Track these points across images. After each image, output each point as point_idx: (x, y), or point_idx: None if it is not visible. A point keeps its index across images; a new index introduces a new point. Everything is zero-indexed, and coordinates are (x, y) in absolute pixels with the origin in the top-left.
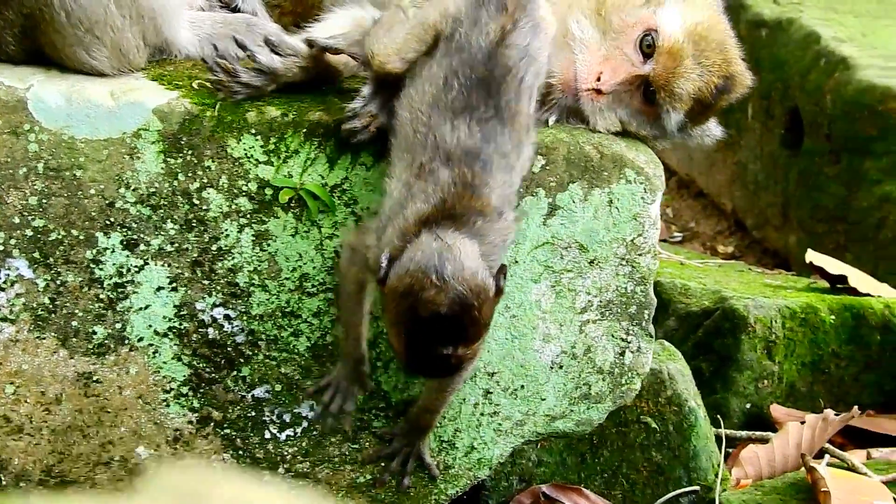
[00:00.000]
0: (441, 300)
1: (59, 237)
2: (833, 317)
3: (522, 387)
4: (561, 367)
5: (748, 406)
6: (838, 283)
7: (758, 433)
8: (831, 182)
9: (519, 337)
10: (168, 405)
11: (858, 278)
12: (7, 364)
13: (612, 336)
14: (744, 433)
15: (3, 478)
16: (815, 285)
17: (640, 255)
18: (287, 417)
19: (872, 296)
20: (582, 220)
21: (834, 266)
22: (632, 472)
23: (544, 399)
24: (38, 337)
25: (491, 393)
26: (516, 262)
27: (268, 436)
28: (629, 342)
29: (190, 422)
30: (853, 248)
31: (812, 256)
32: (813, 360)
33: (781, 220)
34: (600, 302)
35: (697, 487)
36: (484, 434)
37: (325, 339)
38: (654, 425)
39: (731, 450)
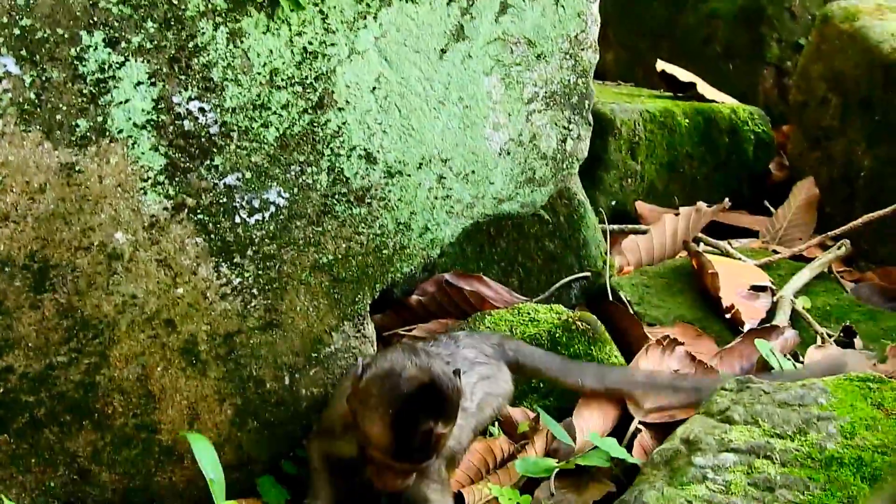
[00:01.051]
0: (423, 376)
1: (45, 35)
2: (687, 120)
3: (473, 172)
4: (508, 154)
5: (614, 203)
6: (686, 91)
7: (632, 226)
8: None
9: (470, 126)
10: (145, 193)
11: (704, 87)
12: None
13: (556, 124)
14: (624, 226)
15: None
16: (660, 94)
17: (582, 49)
18: (256, 203)
19: (718, 102)
20: (531, 17)
21: (683, 74)
22: (527, 261)
23: (493, 183)
24: (23, 130)
25: (444, 178)
26: (469, 56)
27: (238, 220)
28: (570, 130)
29: (165, 208)
30: (679, 64)
31: (662, 65)
32: (670, 160)
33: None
34: (545, 93)
35: (588, 273)
36: (437, 216)
37: (293, 130)
38: (546, 217)
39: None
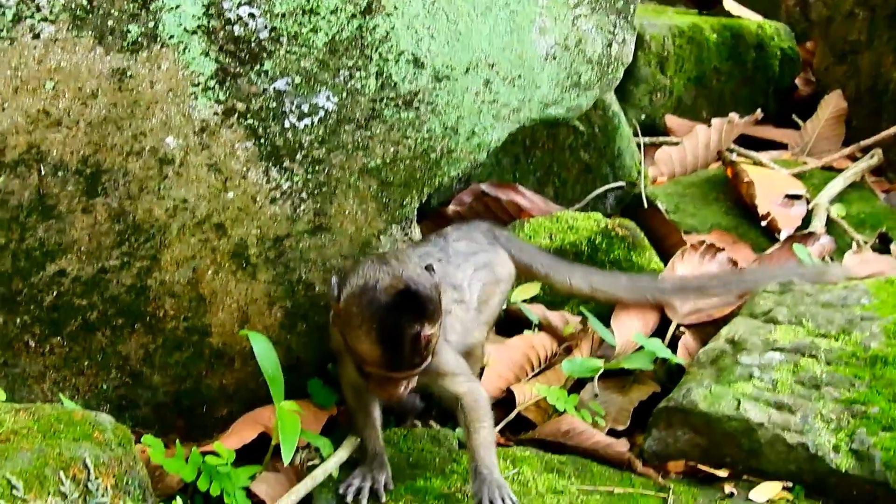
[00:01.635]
0: (398, 283)
1: None
2: (715, 35)
3: (519, 76)
4: (555, 58)
5: (643, 117)
6: (710, 8)
7: (664, 138)
8: None
9: (517, 30)
10: (196, 98)
11: (729, 2)
12: (47, 62)
13: (601, 29)
14: (655, 138)
15: (42, 168)
16: (685, 10)
17: None
18: (305, 108)
19: (744, 18)
20: None
21: None
22: (562, 171)
23: (539, 87)
24: (76, 36)
25: (491, 82)
26: None
27: (287, 125)
28: (615, 34)
29: (216, 113)
30: None
31: None
32: (698, 75)
33: None
34: None
35: (623, 183)
36: (484, 120)
37: (341, 35)
38: (582, 128)
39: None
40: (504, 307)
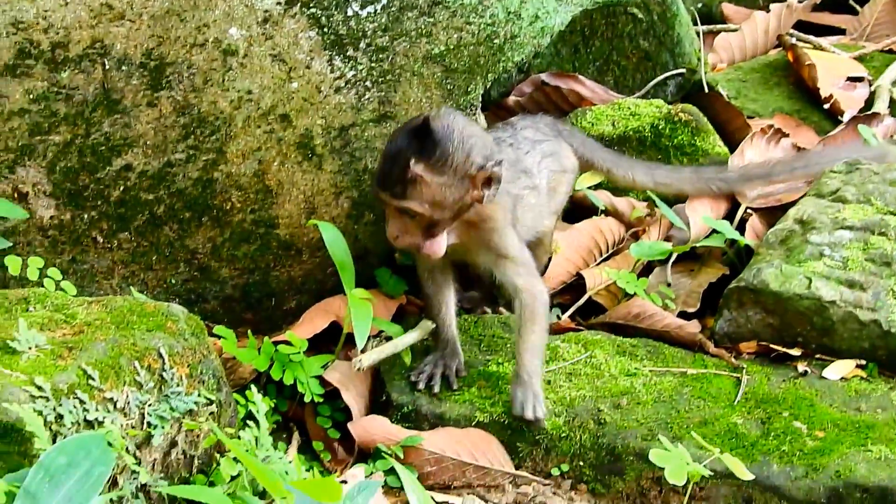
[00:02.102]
0: (418, 119)
1: None
2: None
3: None
4: None
5: (700, 6)
6: None
7: (723, 25)
8: None
9: None
10: None
11: None
12: None
13: None
14: (713, 26)
15: (106, 62)
16: None
17: None
18: None
19: None
20: None
21: None
22: (622, 60)
23: None
24: None
25: None
26: None
27: (350, 13)
28: None
29: (279, 3)
30: None
31: None
32: None
33: None
34: None
35: (683, 70)
36: (547, 4)
37: None
38: (640, 16)
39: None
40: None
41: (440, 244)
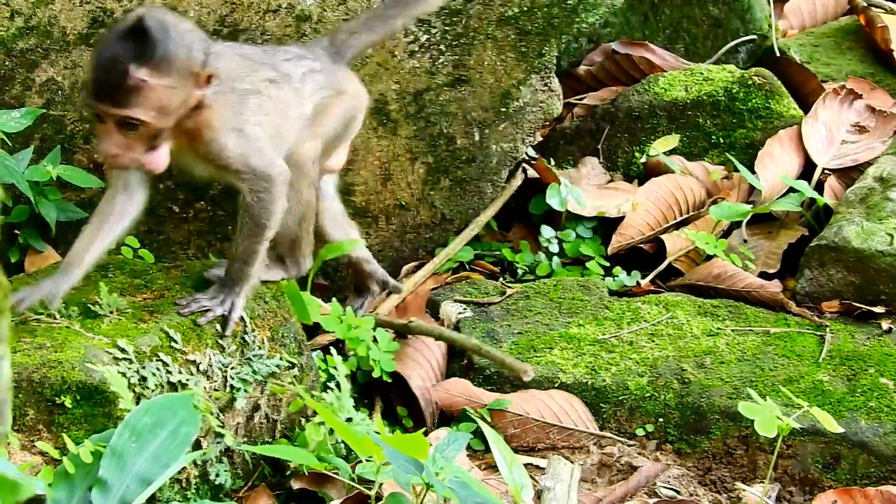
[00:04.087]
0: (131, 19)
1: None
2: None
3: None
4: None
5: None
6: None
7: None
8: None
9: None
10: None
11: None
12: None
13: None
14: None
15: None
16: None
17: None
18: None
19: None
20: None
21: None
22: (692, 27)
23: None
24: None
25: None
26: None
27: None
28: None
29: None
30: None
31: None
32: None
33: None
34: None
35: (754, 36)
36: None
37: None
38: None
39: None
40: None
41: (162, 157)
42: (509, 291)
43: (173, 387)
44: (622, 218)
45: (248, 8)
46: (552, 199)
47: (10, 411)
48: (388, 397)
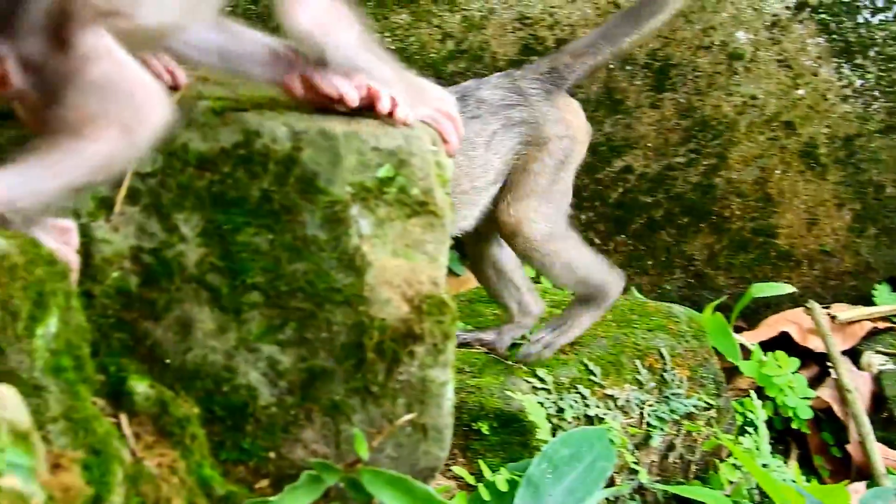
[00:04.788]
0: None
1: None
2: None
3: None
4: None
5: None
6: None
7: None
8: None
9: None
10: None
11: None
12: None
13: None
14: None
15: (610, 62)
16: None
17: None
18: (879, 2)
19: None
20: None
21: None
22: None
23: None
24: None
25: None
26: None
27: (861, 20)
28: None
29: (787, 7)
30: None
31: None
32: None
33: None
34: None
35: None
36: None
37: None
38: None
39: None
40: None
41: None
42: None
43: (590, 420)
44: None
45: (680, 43)
46: None
47: (450, 437)
48: (804, 444)
